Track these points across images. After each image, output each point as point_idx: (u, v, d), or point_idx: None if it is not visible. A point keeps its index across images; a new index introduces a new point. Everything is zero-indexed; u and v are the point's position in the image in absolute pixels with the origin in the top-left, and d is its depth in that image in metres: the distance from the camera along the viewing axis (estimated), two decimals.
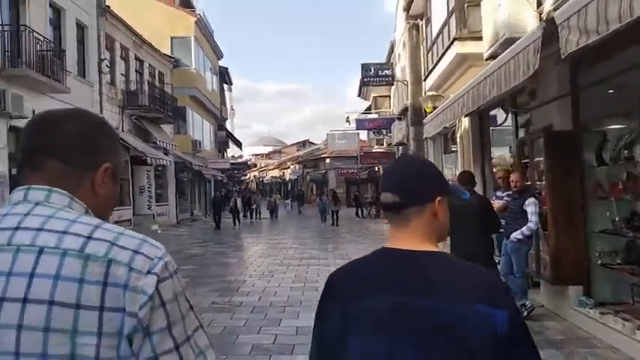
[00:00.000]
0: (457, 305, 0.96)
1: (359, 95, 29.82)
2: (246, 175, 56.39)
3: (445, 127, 8.15)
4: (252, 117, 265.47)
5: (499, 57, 4.89)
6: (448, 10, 8.59)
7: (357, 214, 26.37)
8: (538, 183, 6.01)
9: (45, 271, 0.75)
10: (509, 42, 5.26)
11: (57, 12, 13.66)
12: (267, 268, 9.62)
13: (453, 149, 11.11)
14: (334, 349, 1.05)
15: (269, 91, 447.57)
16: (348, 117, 22.82)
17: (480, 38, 6.93)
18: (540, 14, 5.54)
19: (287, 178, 52.45)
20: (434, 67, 10.09)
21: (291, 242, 14.45)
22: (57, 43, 13.14)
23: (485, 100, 5.16)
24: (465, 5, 7.80)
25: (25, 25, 11.11)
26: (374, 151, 23.98)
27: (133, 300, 0.76)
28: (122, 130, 17.21)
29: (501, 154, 9.01)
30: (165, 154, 19.59)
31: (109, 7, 16.54)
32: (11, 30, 10.94)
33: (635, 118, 4.81)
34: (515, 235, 5.45)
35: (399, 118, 18.55)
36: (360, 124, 22.03)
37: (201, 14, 26.26)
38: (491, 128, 8.83)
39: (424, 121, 9.95)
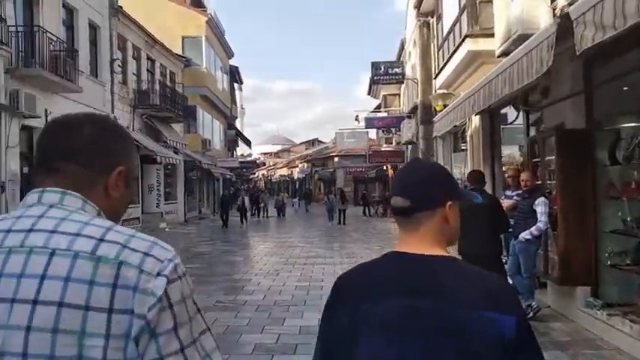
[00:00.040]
0: (466, 310, 0.97)
1: (369, 94, 29.74)
2: (254, 173, 56.57)
3: (455, 126, 8.08)
4: (262, 116, 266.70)
5: (511, 54, 4.81)
6: (460, 6, 8.51)
7: (364, 212, 26.31)
8: (549, 182, 5.92)
9: (56, 273, 0.76)
10: (522, 39, 5.18)
11: (70, 12, 13.79)
12: (272, 266, 9.62)
13: (463, 148, 11.01)
14: (342, 351, 1.04)
15: (279, 90, 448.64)
16: (357, 115, 22.73)
17: (491, 35, 6.85)
18: (554, 10, 5.45)
19: (295, 177, 52.50)
20: (445, 65, 10.01)
21: (298, 241, 14.44)
22: (70, 43, 13.28)
23: (496, 99, 5.09)
24: (477, 1, 7.72)
25: (39, 26, 11.24)
26: (383, 149, 23.88)
27: (142, 302, 0.76)
28: (133, 129, 17.34)
29: (510, 152, 8.91)
30: (175, 152, 19.69)
31: (121, 7, 16.66)
32: (25, 31, 11.07)
33: None
34: (524, 235, 5.38)
35: (409, 117, 18.45)
36: (370, 123, 21.95)
37: (212, 14, 26.37)
38: (501, 126, 8.74)
39: (434, 119, 9.88)
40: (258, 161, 59.10)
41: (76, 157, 0.87)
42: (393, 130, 21.71)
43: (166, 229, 17.30)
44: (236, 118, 38.65)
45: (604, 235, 5.16)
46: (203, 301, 6.42)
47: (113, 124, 0.96)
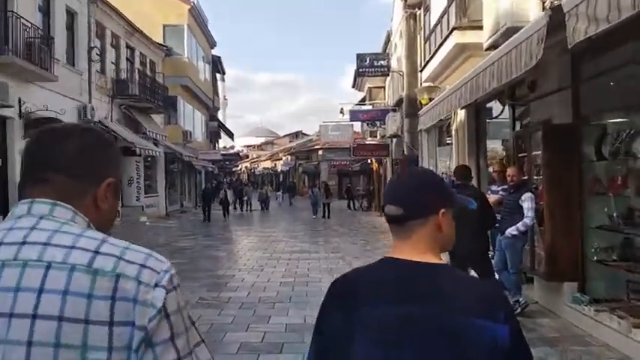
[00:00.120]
0: (460, 318, 0.97)
1: (353, 86, 29.59)
2: (237, 166, 56.08)
3: (441, 120, 8.02)
4: (244, 107, 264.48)
5: (500, 47, 4.74)
6: None
7: (349, 206, 26.34)
8: (535, 177, 5.91)
9: (53, 287, 0.75)
10: (510, 32, 5.12)
11: None
12: (256, 262, 9.47)
13: (448, 142, 10.99)
14: (337, 355, 1.05)
15: (262, 82, 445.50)
16: (342, 108, 22.64)
17: (480, 27, 6.78)
18: (544, 3, 5.39)
19: (279, 170, 52.21)
20: (431, 58, 9.94)
21: (282, 235, 14.31)
22: (45, 30, 12.79)
23: (484, 92, 5.02)
24: None
25: (13, 12, 10.76)
26: (367, 143, 23.82)
27: (142, 313, 0.76)
28: (111, 120, 16.90)
29: (494, 147, 8.92)
30: (155, 144, 19.29)
31: None
32: None
33: (636, 111, 4.69)
34: (510, 230, 5.36)
35: (394, 110, 18.39)
36: (354, 116, 21.84)
37: (195, 2, 25.80)
38: (487, 121, 8.71)
39: (419, 112, 9.82)
40: (241, 154, 58.57)
41: (66, 168, 0.87)
42: (378, 123, 21.64)
43: (147, 223, 16.97)
44: (218, 109, 38.13)
45: (590, 230, 5.17)
46: (186, 297, 6.19)
47: (102, 136, 0.95)
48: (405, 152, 15.99)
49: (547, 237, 5.29)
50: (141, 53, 20.70)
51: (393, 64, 18.43)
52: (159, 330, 0.77)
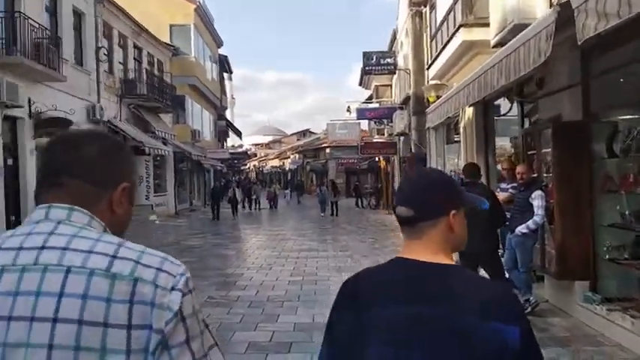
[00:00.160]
0: (470, 318, 0.97)
1: (360, 84, 29.51)
2: (245, 164, 56.22)
3: (448, 117, 7.97)
4: (252, 106, 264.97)
5: (508, 44, 4.69)
6: None
7: (356, 204, 26.29)
8: (545, 175, 5.85)
9: (73, 291, 0.77)
10: (517, 28, 5.06)
11: None
12: (265, 260, 9.48)
13: (456, 139, 10.91)
14: (348, 356, 1.05)
15: (270, 80, 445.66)
16: (349, 106, 22.53)
17: (487, 25, 6.72)
18: None
19: (287, 168, 52.26)
20: (438, 55, 9.88)
21: (290, 233, 14.32)
22: (53, 30, 12.88)
23: (492, 90, 4.98)
24: None
25: (20, 12, 10.84)
26: (375, 141, 23.74)
27: (159, 317, 0.78)
28: (120, 120, 17.00)
29: (502, 144, 8.85)
30: (164, 143, 19.39)
31: None
32: (6, 17, 10.68)
33: None
34: (520, 229, 5.31)
35: (401, 108, 18.31)
36: (361, 114, 21.76)
37: (201, 1, 25.86)
38: (495, 118, 8.65)
39: (427, 110, 9.76)
40: (249, 152, 58.76)
41: (82, 173, 0.88)
42: (385, 121, 21.56)
43: (156, 222, 17.08)
44: (226, 108, 38.23)
45: (602, 228, 5.10)
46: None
47: (117, 141, 0.98)
48: (413, 150, 15.92)
49: (558, 235, 5.23)
50: (148, 53, 20.80)
51: (400, 62, 18.34)
52: (175, 333, 0.78)
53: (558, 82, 5.60)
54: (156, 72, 21.12)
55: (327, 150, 39.02)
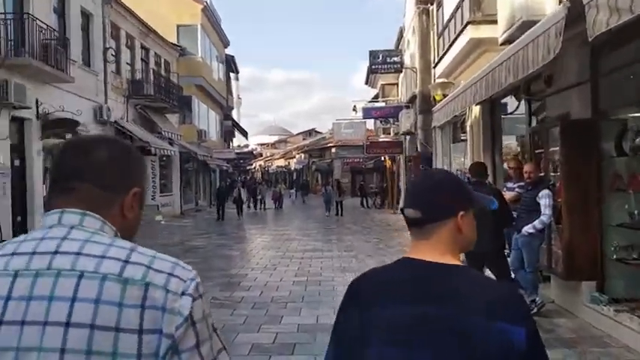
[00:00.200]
0: (476, 318, 0.97)
1: (366, 83, 29.43)
2: (251, 164, 56.31)
3: (455, 116, 7.90)
4: (258, 106, 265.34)
5: (516, 41, 4.63)
6: None
7: (362, 204, 26.23)
8: (552, 174, 5.77)
9: (86, 296, 0.78)
10: (526, 25, 5.00)
11: (61, 0, 13.43)
12: (269, 261, 9.47)
13: (463, 138, 10.84)
14: (353, 354, 1.06)
15: (276, 80, 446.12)
16: (355, 106, 22.52)
17: (494, 22, 6.67)
18: None
19: (292, 168, 52.29)
20: (445, 53, 9.81)
21: (295, 233, 14.31)
22: (61, 31, 12.93)
23: (500, 88, 4.92)
24: None
25: (29, 14, 10.91)
26: (381, 140, 23.67)
27: (170, 321, 0.79)
28: (127, 120, 17.08)
29: (508, 143, 8.77)
30: (170, 144, 19.45)
31: None
32: (14, 18, 10.74)
33: None
34: (527, 228, 5.26)
35: (407, 107, 18.23)
36: (367, 113, 21.72)
37: (208, 1, 25.93)
38: (501, 116, 8.57)
39: (433, 109, 9.70)
40: (255, 152, 58.86)
41: (94, 177, 0.89)
42: (391, 120, 21.49)
43: (162, 222, 17.13)
44: (232, 108, 38.29)
45: (610, 228, 5.03)
46: None
47: (128, 146, 0.99)
48: (419, 149, 15.84)
49: (565, 235, 5.17)
50: (155, 53, 20.87)
51: (406, 60, 18.28)
52: (185, 337, 0.79)
53: (567, 80, 5.52)
54: (163, 72, 21.19)
55: (333, 149, 38.98)
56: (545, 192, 5.23)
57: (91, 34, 15.07)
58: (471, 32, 7.56)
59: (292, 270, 8.37)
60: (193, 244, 12.32)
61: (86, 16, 14.80)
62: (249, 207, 24.15)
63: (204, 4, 25.11)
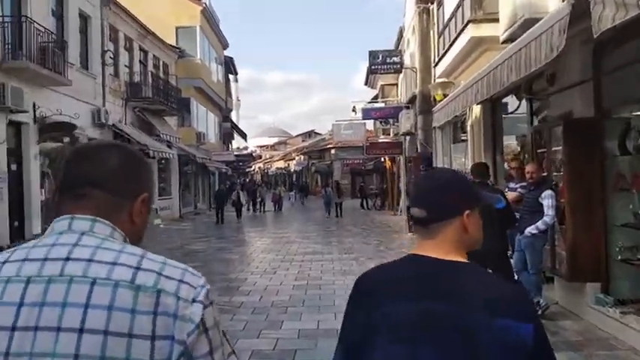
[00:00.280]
0: (483, 316, 0.96)
1: (366, 84, 29.37)
2: (251, 166, 56.24)
3: (455, 116, 7.83)
4: (257, 108, 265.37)
5: (519, 39, 4.56)
6: None
7: (362, 205, 26.15)
8: (555, 174, 5.70)
9: (99, 302, 0.78)
10: (528, 23, 4.94)
11: (59, 2, 13.34)
12: (269, 264, 9.38)
13: (463, 138, 10.77)
14: (359, 350, 1.06)
15: (275, 81, 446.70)
16: (354, 106, 22.40)
17: (496, 20, 6.61)
18: None
19: (292, 170, 52.23)
20: (445, 52, 9.75)
21: (295, 236, 14.23)
22: (59, 34, 12.86)
23: (502, 87, 4.85)
24: None
25: (26, 17, 10.84)
26: (380, 141, 23.60)
27: (181, 328, 0.79)
28: (125, 123, 17.00)
29: (507, 143, 8.70)
30: (169, 146, 19.37)
31: None
32: (12, 21, 10.68)
33: None
34: (530, 229, 5.19)
35: (407, 107, 18.16)
36: (367, 114, 21.63)
37: (207, 3, 25.87)
38: (502, 116, 8.50)
39: (434, 109, 9.63)
40: (254, 154, 58.75)
41: (104, 183, 0.90)
42: (391, 121, 21.42)
43: (161, 226, 17.03)
44: (231, 110, 38.22)
45: (614, 228, 4.97)
46: None
47: (136, 153, 1.00)
48: (419, 150, 15.76)
49: (568, 235, 5.10)
50: (154, 56, 20.81)
51: (406, 60, 18.22)
52: (198, 345, 0.81)
53: (569, 78, 5.46)
54: (161, 74, 21.13)
55: (333, 151, 38.93)
56: (547, 192, 5.17)
57: (89, 36, 15.00)
58: (472, 31, 7.50)
59: (292, 273, 8.28)
60: (192, 247, 12.23)
61: (84, 18, 14.74)
62: (248, 210, 24.06)
63: (204, 5, 25.06)
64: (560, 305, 5.55)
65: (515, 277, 5.24)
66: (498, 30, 6.47)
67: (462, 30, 8.01)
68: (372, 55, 18.30)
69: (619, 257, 4.86)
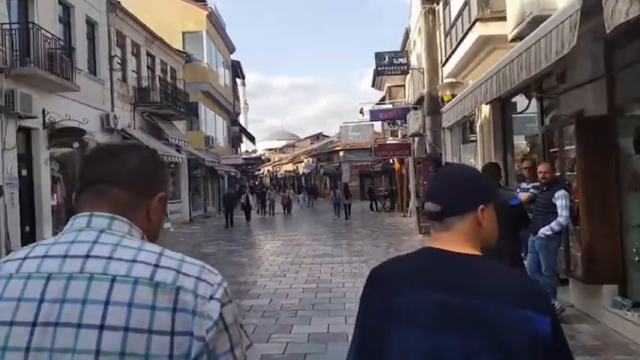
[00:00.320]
0: (500, 307, 0.96)
1: (373, 86, 29.32)
2: (259, 169, 56.38)
3: (464, 116, 7.74)
4: (265, 111, 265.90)
5: (528, 36, 4.48)
6: None
7: (371, 207, 26.04)
8: (568, 174, 5.59)
9: (119, 299, 0.80)
10: (537, 21, 4.85)
11: (66, 9, 13.47)
12: (278, 267, 9.34)
13: (472, 139, 10.65)
14: (376, 340, 1.05)
15: (282, 85, 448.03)
16: (361, 108, 22.31)
17: (504, 18, 6.52)
18: None
19: (300, 172, 52.24)
20: (453, 52, 9.65)
21: (304, 238, 14.17)
22: (66, 40, 12.97)
23: (512, 85, 4.76)
24: None
25: (34, 23, 10.94)
26: (388, 142, 23.49)
27: (200, 324, 0.81)
28: (134, 128, 17.10)
29: (517, 143, 8.58)
30: (178, 151, 19.44)
31: (119, 2, 16.34)
32: (20, 28, 10.78)
33: None
34: (544, 230, 5.07)
35: (415, 108, 18.04)
36: (374, 116, 21.53)
37: (213, 7, 26.00)
38: (512, 115, 8.38)
39: (442, 110, 9.54)
40: (262, 157, 58.89)
41: (123, 182, 0.92)
42: (399, 122, 21.30)
43: (171, 229, 17.08)
44: (239, 114, 38.34)
45: (630, 229, 4.84)
46: None
47: (154, 153, 1.03)
48: (428, 151, 15.65)
49: (584, 236, 4.98)
50: (161, 61, 20.93)
51: (413, 61, 18.12)
52: (220, 342, 0.82)
53: (580, 76, 5.35)
54: (169, 79, 21.24)
55: (341, 153, 38.86)
56: (561, 192, 5.06)
57: (97, 42, 15.12)
58: (480, 29, 7.40)
59: (302, 276, 8.23)
60: (203, 251, 12.23)
61: (91, 24, 14.85)
62: (257, 212, 24.07)
63: (210, 10, 25.18)
64: (576, 308, 5.43)
65: None
66: (506, 28, 6.39)
67: (470, 29, 7.92)
68: (379, 56, 18.21)
69: (636, 258, 4.73)
